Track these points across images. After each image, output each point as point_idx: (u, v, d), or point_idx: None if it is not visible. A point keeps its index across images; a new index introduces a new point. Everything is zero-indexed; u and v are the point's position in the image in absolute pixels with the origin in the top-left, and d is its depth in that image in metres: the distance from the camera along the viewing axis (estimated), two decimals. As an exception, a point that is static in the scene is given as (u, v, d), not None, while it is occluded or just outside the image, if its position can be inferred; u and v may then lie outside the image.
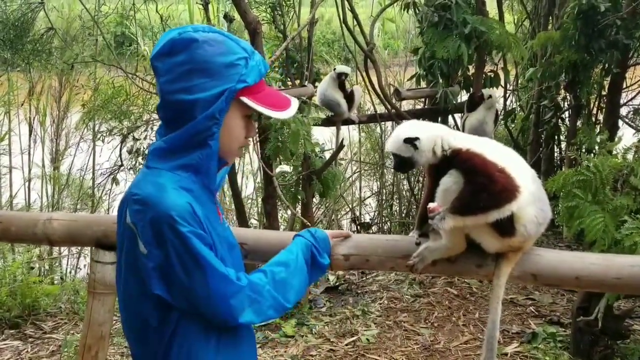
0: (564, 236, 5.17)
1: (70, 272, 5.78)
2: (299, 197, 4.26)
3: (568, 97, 5.65)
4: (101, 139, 5.08)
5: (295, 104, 1.43)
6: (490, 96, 4.50)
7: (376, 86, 4.73)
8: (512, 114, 6.11)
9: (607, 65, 4.90)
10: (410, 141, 1.62)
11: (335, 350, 3.70)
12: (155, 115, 4.79)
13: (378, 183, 6.83)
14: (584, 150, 5.41)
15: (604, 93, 5.46)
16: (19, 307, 4.22)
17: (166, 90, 1.34)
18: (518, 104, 6.41)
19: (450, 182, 1.57)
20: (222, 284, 1.30)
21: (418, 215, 1.76)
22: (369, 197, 7.03)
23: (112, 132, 4.65)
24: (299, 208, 4.45)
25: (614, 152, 3.67)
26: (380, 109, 5.59)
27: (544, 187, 1.68)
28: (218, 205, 1.49)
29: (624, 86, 5.40)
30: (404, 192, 6.65)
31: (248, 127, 1.43)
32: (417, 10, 5.11)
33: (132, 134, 4.41)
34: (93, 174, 5.87)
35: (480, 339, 3.81)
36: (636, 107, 5.66)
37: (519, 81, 6.40)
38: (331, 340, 3.82)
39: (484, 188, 1.52)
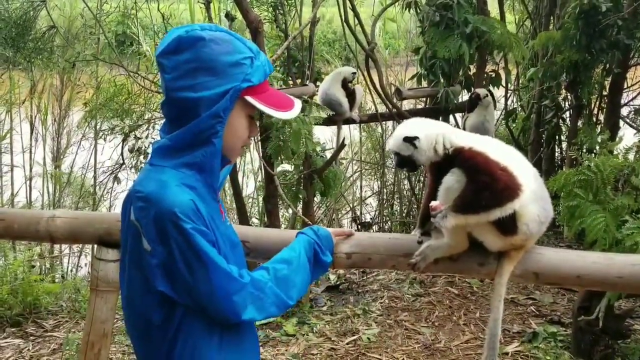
0: (564, 236, 5.17)
1: (71, 271, 5.79)
2: (300, 196, 4.26)
3: (569, 97, 5.66)
4: (103, 137, 5.08)
5: (298, 104, 1.44)
6: (486, 95, 4.50)
7: (377, 86, 4.73)
8: (513, 114, 6.11)
9: (608, 65, 4.90)
10: (410, 140, 1.63)
11: (336, 349, 3.70)
12: (157, 114, 4.80)
13: (379, 182, 6.84)
14: (584, 150, 5.43)
15: (604, 93, 5.47)
16: (20, 306, 4.23)
17: (171, 88, 1.34)
18: (519, 103, 6.41)
19: (452, 181, 1.58)
20: (225, 281, 1.31)
21: (420, 213, 1.76)
22: (369, 196, 7.04)
23: (113, 131, 4.65)
24: (300, 207, 4.46)
25: (615, 152, 3.68)
26: (381, 109, 5.60)
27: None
28: (220, 203, 1.50)
29: (625, 86, 5.40)
30: (405, 192, 6.65)
31: (251, 127, 1.44)
32: (418, 9, 5.11)
33: (133, 133, 4.41)
34: (94, 172, 5.87)
35: (481, 338, 3.82)
36: (637, 107, 5.66)
37: (520, 81, 6.41)
38: (332, 339, 3.82)
39: (486, 186, 1.52)
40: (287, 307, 1.44)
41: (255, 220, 6.15)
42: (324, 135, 5.49)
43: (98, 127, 5.58)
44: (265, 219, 4.66)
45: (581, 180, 3.07)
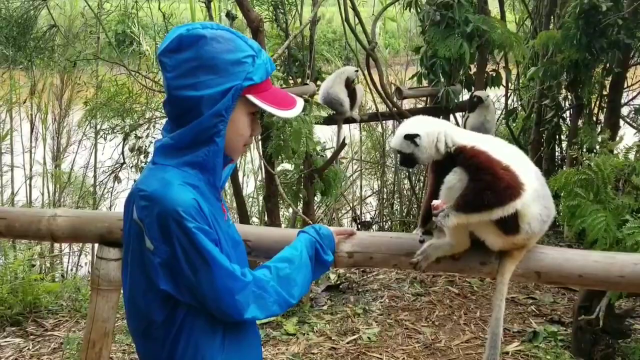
0: (565, 235, 5.17)
1: (71, 270, 5.79)
2: (301, 195, 4.26)
3: (569, 96, 5.66)
4: (103, 136, 5.08)
5: (300, 103, 1.44)
6: (487, 96, 4.52)
7: (378, 85, 4.73)
8: (513, 114, 6.11)
9: (608, 64, 4.90)
10: (410, 137, 1.63)
11: (336, 348, 3.70)
12: (158, 113, 4.79)
13: (379, 182, 6.83)
14: (584, 150, 5.44)
15: (605, 93, 5.47)
16: (20, 305, 4.22)
17: (173, 86, 1.34)
18: (519, 103, 6.41)
19: (454, 180, 1.58)
20: (228, 280, 1.31)
21: (421, 212, 1.76)
22: (369, 195, 7.03)
23: (114, 130, 4.65)
24: (300, 206, 4.46)
25: (615, 152, 3.68)
26: (382, 108, 5.59)
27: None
28: (223, 202, 1.50)
29: (625, 86, 5.40)
30: (405, 191, 6.65)
31: (253, 125, 1.44)
32: (418, 9, 5.11)
33: (134, 132, 4.41)
34: (95, 171, 5.87)
35: (482, 337, 3.82)
36: (637, 106, 5.66)
37: (521, 80, 6.41)
38: (332, 338, 3.82)
39: (488, 186, 1.52)
40: (289, 306, 1.44)
41: (255, 220, 6.15)
42: (324, 134, 5.49)
43: (98, 126, 5.57)
44: (266, 218, 4.66)
45: (582, 180, 3.06)
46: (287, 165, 4.51)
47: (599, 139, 5.04)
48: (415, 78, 5.21)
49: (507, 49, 4.75)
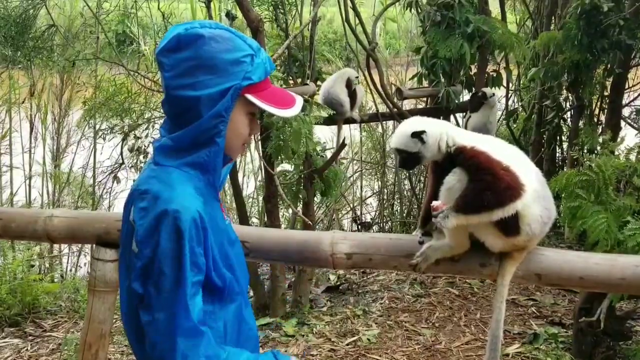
0: (565, 237, 5.16)
1: (70, 270, 5.77)
2: (301, 196, 4.25)
3: (570, 97, 5.64)
4: (102, 136, 5.06)
5: (300, 102, 1.42)
6: (493, 94, 4.49)
7: (378, 85, 4.71)
8: (514, 114, 6.09)
9: (609, 65, 4.88)
10: (418, 135, 1.61)
11: (335, 350, 3.69)
12: (157, 113, 4.78)
13: (379, 182, 6.82)
14: (585, 151, 5.43)
15: (606, 93, 5.45)
16: (19, 305, 4.21)
17: (171, 86, 1.33)
18: (520, 104, 6.39)
19: (454, 181, 1.56)
20: (182, 315, 1.24)
21: (421, 213, 1.75)
22: (370, 196, 7.02)
23: (113, 130, 4.63)
24: (300, 207, 4.44)
25: (616, 153, 3.66)
26: (382, 109, 5.58)
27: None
28: (221, 201, 1.48)
29: (626, 87, 5.38)
30: (405, 192, 6.63)
31: (252, 124, 1.42)
32: (419, 9, 5.10)
33: (133, 132, 4.40)
34: (94, 172, 5.86)
35: (482, 339, 3.80)
36: (639, 107, 5.64)
37: (521, 81, 6.39)
38: (332, 340, 3.80)
39: (489, 186, 1.51)
40: None
41: (255, 220, 6.13)
42: (324, 135, 5.48)
43: (97, 126, 5.56)
44: (265, 218, 4.64)
45: (583, 181, 3.05)
46: (287, 166, 4.50)
47: (600, 140, 5.04)
48: (415, 78, 5.19)
49: (507, 49, 4.74)
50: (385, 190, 6.71)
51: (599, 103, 5.66)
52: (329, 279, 4.87)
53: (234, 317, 1.42)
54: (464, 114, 4.97)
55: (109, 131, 4.77)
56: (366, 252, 1.69)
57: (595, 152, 5.29)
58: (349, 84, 4.52)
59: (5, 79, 5.54)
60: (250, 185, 6.59)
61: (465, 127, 4.63)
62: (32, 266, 5.30)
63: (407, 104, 5.89)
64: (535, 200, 1.55)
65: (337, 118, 4.56)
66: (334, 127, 5.03)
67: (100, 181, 5.70)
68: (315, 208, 5.73)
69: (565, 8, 5.33)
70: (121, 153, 4.73)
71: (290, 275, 4.72)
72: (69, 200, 6.03)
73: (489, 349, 1.62)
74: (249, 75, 1.32)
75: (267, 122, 3.73)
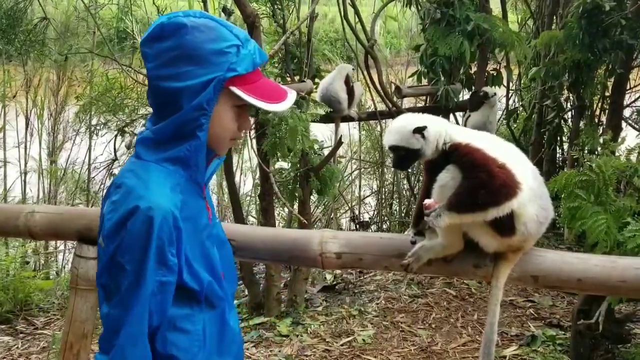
0: (564, 238, 5.10)
1: (65, 267, 5.72)
2: (297, 194, 4.19)
3: (571, 97, 5.59)
4: (95, 132, 5.01)
5: (292, 97, 1.35)
6: (494, 94, 4.44)
7: (377, 83, 4.66)
8: (514, 114, 6.04)
9: (611, 65, 4.82)
10: (420, 130, 1.54)
11: (330, 350, 3.64)
12: (151, 109, 4.72)
13: (378, 182, 6.76)
14: (586, 151, 5.37)
15: (607, 94, 5.40)
16: (11, 302, 4.17)
17: (153, 77, 1.28)
18: (520, 104, 6.34)
19: (447, 178, 1.50)
20: (135, 317, 1.20)
21: (414, 212, 1.69)
22: (368, 196, 6.96)
23: (106, 125, 4.57)
24: (296, 206, 4.39)
25: (617, 153, 3.61)
26: (381, 107, 5.53)
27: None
28: (208, 199, 1.42)
29: (627, 87, 5.33)
30: (404, 192, 6.58)
31: (241, 119, 1.35)
32: (419, 7, 5.04)
33: (126, 128, 4.34)
34: (89, 168, 5.81)
35: (479, 341, 3.75)
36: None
37: (522, 81, 6.34)
38: (326, 340, 3.75)
39: (483, 184, 1.45)
40: None
41: (252, 219, 6.08)
42: (322, 133, 5.42)
43: (92, 122, 5.50)
44: (261, 217, 4.59)
45: (582, 181, 3.00)
46: (284, 164, 4.45)
47: (601, 140, 4.99)
48: (415, 76, 5.14)
49: (508, 48, 4.68)
50: (384, 190, 6.66)
51: (599, 103, 5.61)
52: (325, 278, 4.81)
53: (216, 321, 1.37)
54: (463, 112, 4.91)
55: (102, 127, 4.71)
56: (356, 251, 1.63)
57: (596, 152, 5.25)
58: (347, 81, 4.48)
59: (-1, 74, 5.49)
60: (247, 184, 6.54)
61: (465, 126, 4.58)
62: (27, 262, 5.26)
63: (406, 103, 5.84)
64: (532, 199, 1.50)
65: (334, 116, 4.52)
66: (332, 126, 4.98)
67: (93, 177, 5.65)
68: (312, 207, 5.68)
69: (566, 7, 5.27)
70: (114, 149, 4.67)
71: (286, 274, 4.67)
72: (64, 196, 5.99)
73: (482, 353, 1.56)
74: (233, 67, 1.26)
75: (263, 119, 3.67)
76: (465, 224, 1.51)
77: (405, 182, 6.55)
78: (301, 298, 4.26)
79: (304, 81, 4.26)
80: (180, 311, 1.28)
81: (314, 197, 5.26)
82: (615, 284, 1.48)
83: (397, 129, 1.58)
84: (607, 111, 5.32)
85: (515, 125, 6.06)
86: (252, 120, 3.72)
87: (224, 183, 5.50)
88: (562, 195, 2.99)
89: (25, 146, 5.89)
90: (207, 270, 1.32)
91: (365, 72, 4.73)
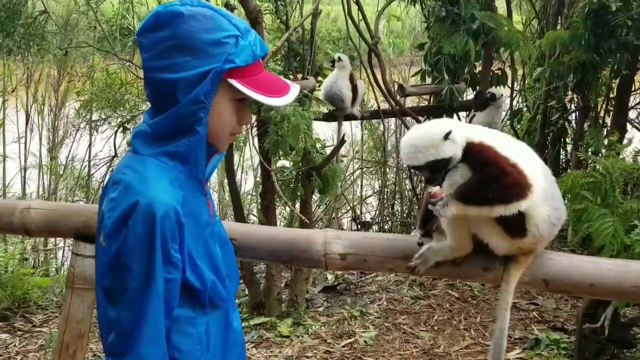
0: (568, 240, 5.05)
1: (64, 264, 5.68)
2: (298, 193, 4.14)
3: (575, 98, 5.54)
4: (96, 128, 4.96)
5: (294, 91, 1.29)
6: (501, 95, 4.41)
7: (380, 81, 4.61)
8: (518, 114, 5.99)
9: (616, 66, 4.77)
10: (448, 136, 1.43)
11: (331, 351, 3.59)
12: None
13: (380, 182, 6.72)
14: (589, 153, 5.32)
15: (611, 95, 5.35)
16: (9, 299, 4.13)
17: (148, 68, 1.23)
18: (524, 104, 6.29)
19: (456, 176, 1.44)
20: (149, 317, 1.15)
21: (420, 213, 1.63)
22: (370, 195, 6.92)
23: (106, 120, 4.52)
24: (298, 205, 4.34)
25: (622, 155, 3.57)
26: (383, 106, 5.48)
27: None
28: (209, 196, 1.37)
29: (632, 89, 5.27)
30: (406, 192, 6.54)
31: (241, 113, 1.29)
32: (423, 5, 4.99)
33: (126, 124, 4.29)
34: (89, 164, 5.76)
35: (482, 344, 3.70)
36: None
37: (526, 81, 6.29)
38: (328, 341, 3.70)
39: (494, 179, 1.39)
40: None
41: (253, 218, 6.04)
42: (324, 132, 5.37)
43: (92, 117, 5.46)
44: (262, 216, 4.54)
45: (589, 183, 2.95)
46: (285, 162, 4.40)
47: (605, 142, 4.94)
48: (418, 75, 5.09)
49: (513, 47, 4.62)
50: (386, 190, 6.61)
51: (604, 105, 5.56)
52: (326, 278, 4.77)
53: (220, 323, 1.32)
54: (467, 112, 4.86)
55: (102, 122, 4.66)
56: (361, 252, 1.58)
57: (600, 154, 5.20)
58: (351, 79, 4.44)
59: (-2, 68, 5.45)
60: (248, 182, 6.50)
61: (469, 126, 4.53)
62: (26, 259, 5.23)
63: (408, 102, 5.79)
64: (544, 200, 1.44)
65: (337, 114, 4.47)
66: (334, 124, 4.94)
67: (93, 173, 5.60)
68: (314, 206, 5.63)
69: (571, 7, 5.22)
70: (114, 145, 4.63)
71: (287, 274, 4.62)
72: (64, 192, 5.95)
73: (491, 359, 1.51)
74: (231, 58, 1.20)
75: (265, 117, 3.63)
76: (473, 221, 1.46)
77: (407, 182, 6.51)
78: (302, 298, 4.22)
79: (306, 79, 4.21)
80: (183, 313, 1.23)
81: (315, 197, 5.22)
82: (629, 289, 1.43)
83: (424, 143, 1.44)
84: (611, 112, 5.27)
85: (519, 126, 6.01)
86: (253, 117, 3.67)
87: (225, 181, 5.45)
88: (568, 197, 2.95)
89: (25, 141, 5.85)
90: (211, 269, 1.28)
91: (369, 70, 4.67)
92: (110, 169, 5.06)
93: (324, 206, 6.56)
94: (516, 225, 1.44)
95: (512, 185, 1.40)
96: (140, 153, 1.25)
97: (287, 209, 5.20)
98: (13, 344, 3.73)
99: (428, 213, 1.57)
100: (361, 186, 6.82)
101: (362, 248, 1.59)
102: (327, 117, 4.34)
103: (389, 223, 6.48)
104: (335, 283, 4.66)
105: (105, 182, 1.29)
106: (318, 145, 4.18)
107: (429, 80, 4.94)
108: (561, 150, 5.89)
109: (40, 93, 5.94)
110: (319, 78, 4.54)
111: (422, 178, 1.48)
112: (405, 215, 6.39)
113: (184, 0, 1.24)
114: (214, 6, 1.26)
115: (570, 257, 1.55)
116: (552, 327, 3.88)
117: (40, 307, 4.28)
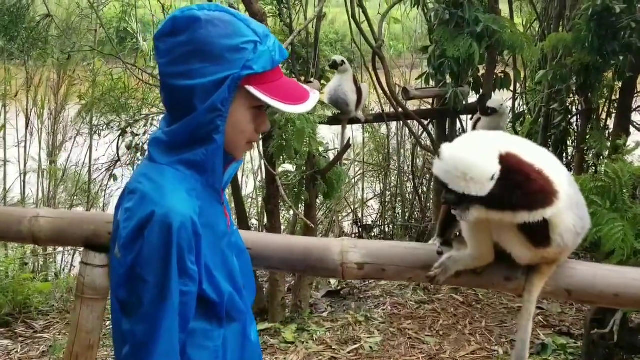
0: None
1: (64, 269, 5.64)
2: (303, 197, 4.11)
3: (577, 100, 5.52)
4: (97, 133, 4.92)
5: (314, 98, 1.26)
6: (501, 105, 4.41)
7: (384, 85, 4.58)
8: (521, 117, 5.97)
9: (619, 68, 4.75)
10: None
11: (337, 358, 3.56)
12: (155, 110, 4.64)
13: (381, 185, 6.69)
14: (591, 156, 5.30)
15: (614, 97, 5.33)
16: (10, 305, 4.10)
17: (165, 73, 1.20)
18: (527, 107, 6.27)
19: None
20: (164, 331, 1.12)
21: (440, 220, 1.60)
22: (371, 198, 6.89)
23: (109, 125, 4.48)
24: (301, 209, 4.31)
25: (628, 158, 3.54)
26: (386, 109, 5.45)
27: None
28: (226, 205, 1.34)
29: (636, 91, 5.26)
30: (408, 195, 6.51)
31: (258, 120, 1.26)
32: (425, 8, 4.96)
33: (130, 129, 4.26)
34: (89, 169, 5.72)
35: (488, 349, 3.68)
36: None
37: (527, 84, 6.26)
38: (333, 347, 3.67)
39: (519, 185, 1.34)
40: None
41: (254, 221, 6.00)
42: (325, 135, 5.35)
43: (94, 122, 5.43)
44: (265, 220, 4.50)
45: (598, 187, 2.93)
46: (289, 166, 4.36)
47: (608, 144, 4.92)
48: (422, 79, 5.06)
49: (517, 50, 4.60)
50: (387, 193, 6.58)
51: (606, 107, 5.54)
52: (329, 283, 4.73)
53: (237, 336, 1.29)
54: (472, 115, 4.83)
55: (104, 127, 4.62)
56: (379, 262, 1.55)
57: (602, 156, 5.18)
58: (355, 82, 4.41)
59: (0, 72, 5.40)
60: (249, 185, 6.46)
61: (473, 129, 4.51)
62: (26, 264, 5.18)
63: (410, 105, 5.76)
64: (569, 208, 1.41)
65: (341, 118, 4.44)
66: (335, 127, 4.90)
67: (95, 179, 5.56)
68: (316, 210, 5.59)
69: (574, 10, 5.20)
70: (117, 150, 4.59)
71: (289, 278, 4.59)
72: (64, 197, 5.90)
73: (513, 371, 1.48)
74: (249, 64, 1.17)
75: (270, 120, 3.59)
76: (495, 230, 1.42)
77: (408, 185, 6.48)
78: (306, 303, 4.18)
79: (310, 82, 4.18)
80: (199, 326, 1.20)
81: (318, 200, 5.18)
82: (655, 299, 1.40)
83: (473, 175, 1.33)
84: (614, 115, 5.25)
85: (520, 129, 5.99)
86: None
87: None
88: (577, 201, 2.92)
89: (25, 146, 5.80)
90: (228, 281, 1.25)
91: (373, 73, 4.64)
92: (111, 174, 5.02)
93: (325, 209, 6.52)
94: (540, 234, 1.40)
95: (537, 191, 1.36)
96: (156, 161, 1.22)
97: (290, 213, 5.16)
98: (15, 350, 3.70)
99: (447, 220, 1.54)
100: (362, 189, 6.79)
101: (381, 257, 1.56)
102: (331, 121, 4.31)
103: (391, 226, 6.45)
104: (339, 288, 4.63)
105: (121, 192, 1.26)
106: (321, 149, 4.15)
107: (432, 83, 4.91)
108: (564, 152, 5.86)
109: (40, 97, 5.90)
110: (322, 81, 4.51)
111: (444, 196, 1.35)
112: (406, 218, 6.36)
113: (202, 5, 1.21)
114: (232, 10, 1.23)
115: (593, 266, 1.52)
116: (558, 332, 3.86)
117: (42, 312, 4.24)
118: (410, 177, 6.25)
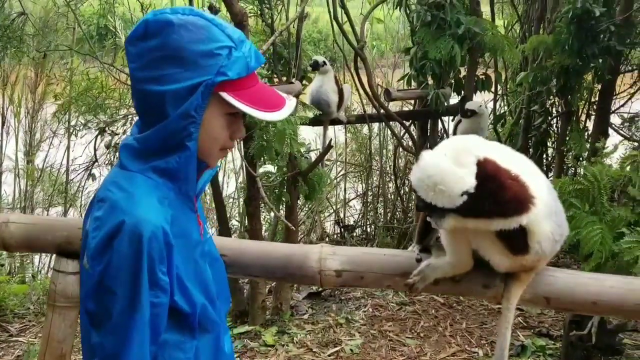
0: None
1: (41, 271, 5.54)
2: (284, 199, 4.08)
3: (557, 102, 5.56)
4: (74, 133, 4.83)
5: (291, 104, 1.23)
6: (480, 105, 4.42)
7: (366, 86, 4.57)
8: (502, 119, 6.00)
9: (599, 71, 4.81)
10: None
11: (317, 361, 3.54)
12: (133, 110, 4.58)
13: (363, 185, 6.68)
14: (570, 158, 5.34)
15: (594, 100, 5.38)
16: (-16, 308, 4.01)
17: (136, 78, 1.17)
18: (508, 108, 6.30)
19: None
20: (134, 345, 1.09)
21: (418, 227, 1.58)
22: (353, 198, 6.88)
23: (86, 125, 4.40)
24: (282, 211, 4.28)
25: (606, 161, 3.57)
26: (368, 110, 5.43)
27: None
28: (200, 213, 1.31)
29: (614, 93, 5.31)
30: (390, 195, 6.51)
31: (233, 127, 1.23)
32: (408, 9, 4.96)
33: (108, 129, 4.19)
34: (67, 169, 5.63)
35: (468, 350, 3.69)
36: (630, 115, 5.61)
37: (508, 86, 6.30)
38: (313, 350, 3.65)
39: (492, 193, 1.33)
40: None
41: (235, 223, 5.95)
42: (308, 136, 5.32)
43: (71, 122, 5.33)
44: (246, 221, 4.46)
45: (577, 190, 2.94)
46: (270, 167, 4.33)
47: (587, 146, 4.97)
48: (404, 80, 5.06)
49: (498, 52, 4.62)
50: (369, 193, 6.58)
51: (585, 109, 5.60)
52: (310, 285, 4.71)
53: (210, 348, 1.26)
54: (453, 117, 4.84)
55: (81, 127, 4.53)
56: (358, 269, 1.53)
57: (582, 158, 5.23)
58: (337, 83, 4.39)
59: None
60: (230, 186, 6.41)
61: (455, 132, 4.51)
62: (2, 265, 5.09)
63: (394, 106, 5.76)
64: (547, 216, 1.40)
65: (323, 119, 4.42)
66: (317, 128, 4.88)
67: (72, 179, 5.47)
68: (297, 210, 5.57)
69: (554, 12, 5.24)
70: (95, 150, 4.51)
71: (271, 281, 4.56)
72: (41, 197, 5.80)
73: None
74: (224, 70, 1.14)
75: (250, 122, 3.56)
76: (473, 238, 1.41)
77: (390, 185, 6.48)
78: (287, 306, 4.16)
79: (292, 82, 4.15)
80: (171, 337, 1.17)
81: (299, 201, 5.15)
82: (632, 307, 1.40)
83: (445, 187, 1.32)
84: (594, 117, 5.30)
85: (501, 130, 6.02)
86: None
87: (208, 184, 5.35)
88: (556, 204, 2.93)
89: (1, 145, 5.69)
90: (201, 291, 1.22)
91: (355, 74, 4.62)
92: (89, 174, 4.94)
93: (307, 209, 6.50)
94: (518, 242, 1.39)
95: (511, 199, 1.35)
96: (127, 168, 1.18)
97: (271, 214, 5.13)
98: (-11, 354, 3.62)
99: (425, 227, 1.53)
100: (344, 189, 6.78)
101: (359, 264, 1.54)
102: (313, 122, 4.28)
103: (372, 226, 6.45)
104: (320, 289, 4.61)
105: (90, 200, 1.22)
106: (303, 150, 4.12)
107: (414, 84, 4.91)
108: (544, 154, 5.91)
109: (17, 95, 5.79)
110: (304, 82, 4.48)
111: (416, 203, 1.34)
112: (388, 218, 6.36)
113: (176, 8, 1.17)
114: (207, 15, 1.19)
115: (572, 273, 1.51)
116: (538, 333, 3.88)
117: (17, 315, 4.17)
118: (392, 177, 6.25)
